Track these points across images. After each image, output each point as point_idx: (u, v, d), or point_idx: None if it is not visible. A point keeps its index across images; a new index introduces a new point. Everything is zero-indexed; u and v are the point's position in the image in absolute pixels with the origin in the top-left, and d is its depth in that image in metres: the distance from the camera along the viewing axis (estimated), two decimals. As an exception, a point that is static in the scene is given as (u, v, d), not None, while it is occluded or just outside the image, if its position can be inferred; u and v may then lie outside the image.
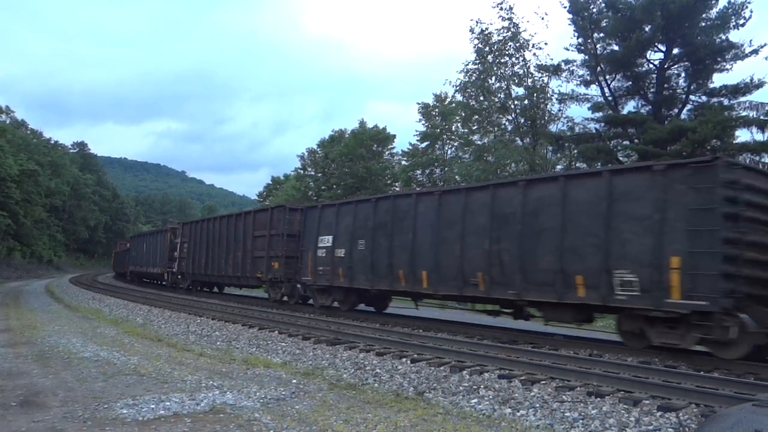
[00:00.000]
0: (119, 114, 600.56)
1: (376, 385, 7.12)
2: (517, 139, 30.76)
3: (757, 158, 22.72)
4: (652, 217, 9.09)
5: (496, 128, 31.70)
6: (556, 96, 29.53)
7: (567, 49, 28.61)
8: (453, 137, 42.47)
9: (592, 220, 9.91)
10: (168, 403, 5.61)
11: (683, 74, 26.28)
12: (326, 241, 16.30)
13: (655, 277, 8.90)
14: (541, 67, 29.44)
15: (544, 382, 7.11)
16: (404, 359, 8.65)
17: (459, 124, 39.14)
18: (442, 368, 8.03)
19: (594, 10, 26.97)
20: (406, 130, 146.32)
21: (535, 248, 10.72)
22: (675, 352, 9.10)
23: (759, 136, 22.80)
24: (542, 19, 39.67)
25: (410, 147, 46.74)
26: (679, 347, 8.98)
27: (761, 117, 23.23)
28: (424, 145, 45.22)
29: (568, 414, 5.73)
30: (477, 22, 30.41)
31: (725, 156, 9.92)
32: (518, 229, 11.02)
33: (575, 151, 27.71)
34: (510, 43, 29.98)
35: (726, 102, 24.76)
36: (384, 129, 49.73)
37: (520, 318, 12.09)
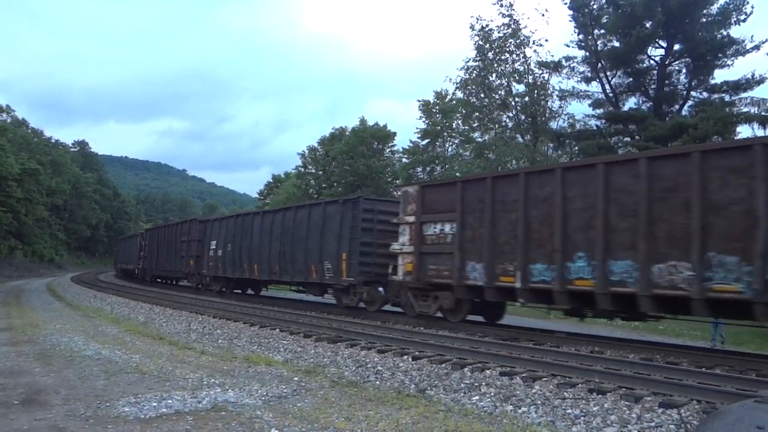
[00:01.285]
0: (121, 113, 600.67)
1: (377, 382, 7.12)
2: (518, 136, 30.74)
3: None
4: (337, 230, 16.02)
5: (496, 125, 31.69)
6: (556, 93, 29.56)
7: (568, 46, 28.70)
8: (453, 134, 42.46)
9: (317, 231, 16.85)
10: (170, 402, 5.61)
11: (684, 70, 26.28)
12: (213, 244, 23.43)
13: (337, 265, 15.86)
14: (541, 64, 29.43)
15: (545, 379, 7.11)
16: (406, 357, 8.65)
17: (459, 122, 39.11)
18: (443, 366, 8.03)
19: (594, 6, 26.95)
20: (407, 128, 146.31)
21: (297, 249, 17.74)
22: (676, 348, 9.12)
23: (760, 132, 22.78)
24: (542, 15, 39.65)
25: (411, 144, 46.71)
26: (352, 305, 15.99)
27: (762, 113, 23.19)
28: (424, 142, 45.18)
29: (569, 411, 5.73)
30: (477, 19, 30.40)
31: (365, 195, 18.82)
32: (291, 237, 18.07)
33: (576, 148, 27.70)
34: (510, 40, 29.95)
35: (727, 98, 24.75)
36: (384, 126, 49.66)
37: (319, 295, 18.21)
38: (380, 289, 15.26)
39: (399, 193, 13.37)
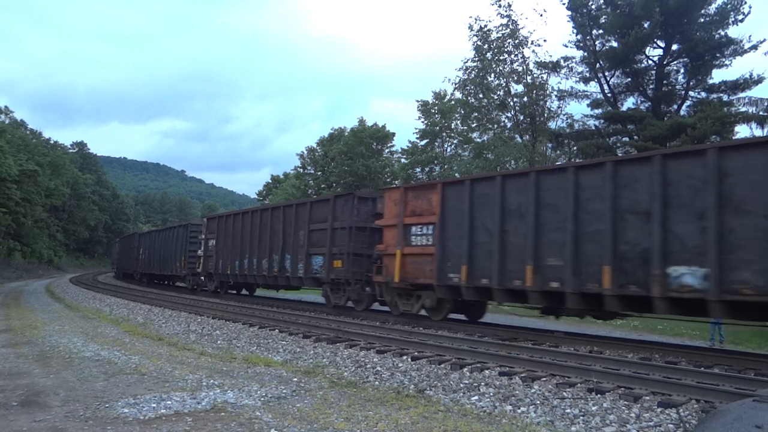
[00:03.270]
0: (124, 114, 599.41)
1: (376, 382, 7.12)
2: (517, 136, 30.76)
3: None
4: (181, 243, 27.72)
5: (495, 125, 31.70)
6: (555, 93, 29.57)
7: (566, 46, 28.77)
8: (452, 135, 42.48)
9: (175, 243, 28.58)
10: (169, 402, 5.61)
11: (682, 70, 26.30)
12: (141, 250, 36.01)
13: (180, 263, 27.66)
14: (540, 64, 29.45)
15: (544, 378, 7.12)
16: (405, 357, 8.66)
17: (458, 122, 39.15)
18: (442, 366, 8.03)
19: (593, 6, 26.96)
20: (410, 127, 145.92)
21: (168, 254, 29.49)
22: (675, 348, 9.14)
23: (758, 132, 22.82)
24: (541, 16, 39.54)
25: (409, 145, 46.71)
26: (188, 288, 27.24)
27: (760, 113, 23.22)
28: (423, 142, 45.17)
29: (568, 410, 5.73)
30: (476, 20, 30.41)
31: (192, 220, 35.11)
32: (166, 247, 30.05)
33: (575, 148, 27.73)
34: (509, 40, 29.96)
35: (725, 98, 24.77)
36: (383, 127, 49.70)
37: (181, 282, 29.64)
38: (202, 278, 25.08)
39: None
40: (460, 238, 11.86)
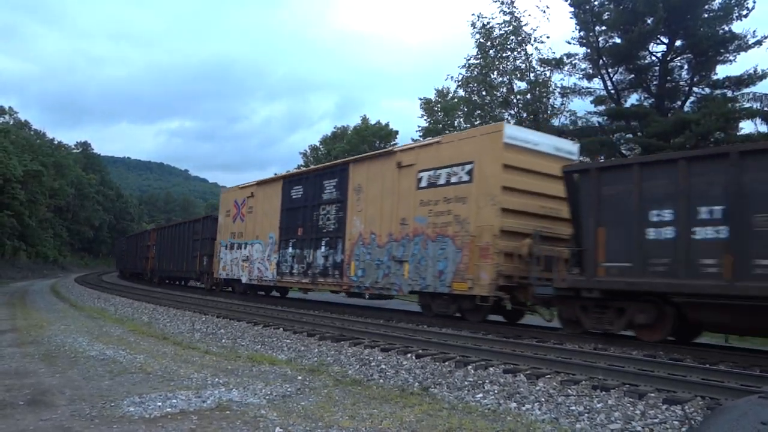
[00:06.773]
0: (133, 114, 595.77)
1: (381, 380, 7.13)
2: (520, 133, 30.64)
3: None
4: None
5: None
6: (558, 90, 29.50)
7: (569, 43, 28.56)
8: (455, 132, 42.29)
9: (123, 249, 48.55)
10: (174, 401, 5.64)
11: (686, 66, 26.17)
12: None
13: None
14: (543, 61, 29.38)
15: (549, 376, 7.11)
16: (409, 355, 8.66)
17: (461, 120, 39.05)
18: (446, 363, 8.03)
19: (595, 2, 26.86)
20: (415, 125, 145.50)
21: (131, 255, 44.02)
22: (680, 344, 9.15)
23: (763, 128, 22.70)
24: (543, 12, 39.44)
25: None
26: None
27: (765, 108, 23.09)
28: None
29: (573, 408, 5.73)
30: (478, 17, 30.38)
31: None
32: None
33: (578, 145, 27.65)
34: (512, 37, 29.91)
35: (729, 94, 24.60)
36: (386, 125, 49.66)
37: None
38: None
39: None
40: (162, 251, 31.18)
